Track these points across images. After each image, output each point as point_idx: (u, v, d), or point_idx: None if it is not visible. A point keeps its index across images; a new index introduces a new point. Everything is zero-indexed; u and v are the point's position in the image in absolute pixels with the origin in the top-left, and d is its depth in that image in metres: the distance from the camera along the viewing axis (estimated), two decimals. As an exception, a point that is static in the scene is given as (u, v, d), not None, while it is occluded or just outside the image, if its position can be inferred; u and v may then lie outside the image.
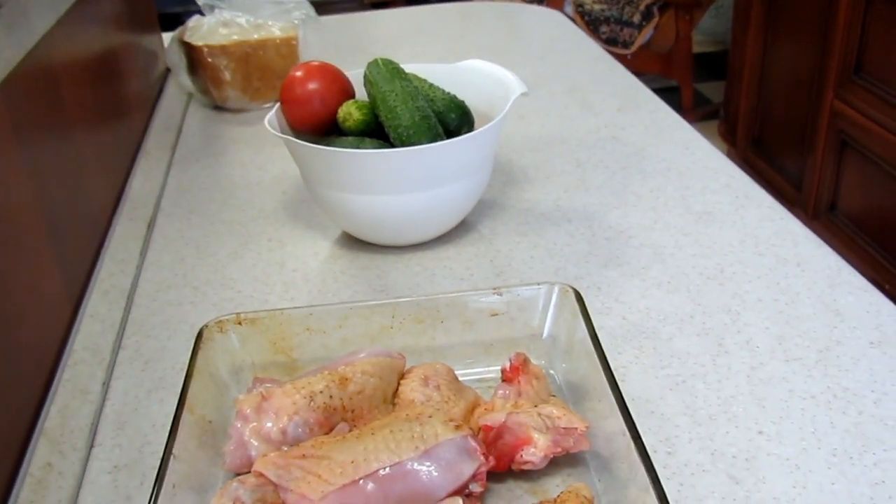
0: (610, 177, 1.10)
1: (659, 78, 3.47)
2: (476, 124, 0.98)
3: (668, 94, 1.30)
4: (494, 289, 0.75)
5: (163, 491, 0.58)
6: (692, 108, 3.51)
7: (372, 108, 0.93)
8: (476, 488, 0.61)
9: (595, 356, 0.67)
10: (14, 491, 0.63)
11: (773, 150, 2.82)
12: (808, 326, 0.81)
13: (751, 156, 2.95)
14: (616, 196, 1.06)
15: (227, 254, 1.00)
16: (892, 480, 0.64)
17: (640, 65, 3.33)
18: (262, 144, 1.28)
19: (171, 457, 0.61)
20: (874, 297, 0.84)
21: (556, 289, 0.74)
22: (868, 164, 2.23)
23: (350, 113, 0.93)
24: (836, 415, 0.71)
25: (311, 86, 0.94)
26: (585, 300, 0.74)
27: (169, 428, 0.63)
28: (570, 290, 0.73)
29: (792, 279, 0.88)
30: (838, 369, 0.75)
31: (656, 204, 1.03)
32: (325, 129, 0.96)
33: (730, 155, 3.14)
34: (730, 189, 1.05)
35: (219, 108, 1.43)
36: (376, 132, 0.94)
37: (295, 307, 0.75)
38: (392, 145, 0.92)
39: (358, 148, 0.90)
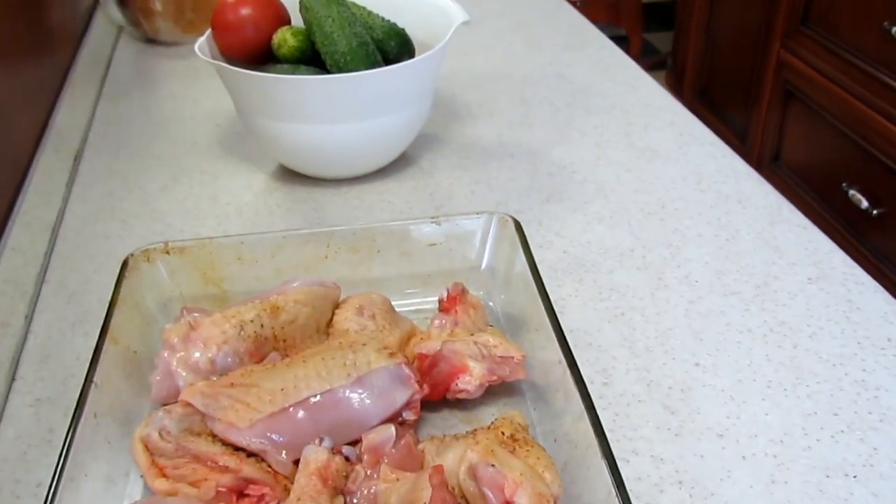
0: (554, 113, 1.09)
1: (607, 26, 3.44)
2: (417, 52, 0.95)
3: (617, 43, 1.29)
4: (432, 218, 0.73)
5: (83, 419, 0.56)
6: (640, 58, 3.50)
7: (308, 35, 0.89)
8: (409, 416, 0.60)
9: (533, 285, 0.66)
10: (-73, 422, 0.61)
11: (720, 101, 2.83)
12: (747, 262, 0.81)
13: (697, 106, 2.96)
14: (560, 132, 1.04)
15: (158, 187, 0.96)
16: (823, 411, 0.64)
17: (589, 13, 3.29)
18: (196, 78, 1.23)
19: (93, 385, 0.58)
20: (813, 234, 0.84)
21: (496, 218, 0.73)
22: (812, 115, 2.25)
23: (285, 39, 0.89)
24: (771, 348, 0.71)
25: (244, 11, 0.90)
26: (526, 234, 0.72)
27: (90, 356, 0.60)
28: (510, 220, 0.72)
29: (733, 215, 0.87)
30: (775, 304, 0.75)
31: (600, 140, 1.02)
32: (259, 57, 0.92)
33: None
34: (674, 127, 1.05)
35: (150, 41, 1.38)
36: (312, 60, 0.90)
37: (226, 235, 0.73)
38: (329, 73, 0.88)
39: (293, 74, 0.87)
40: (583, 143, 1.02)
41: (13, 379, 0.71)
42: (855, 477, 0.59)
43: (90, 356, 0.68)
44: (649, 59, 3.58)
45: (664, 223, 0.86)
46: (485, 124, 1.07)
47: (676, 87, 3.14)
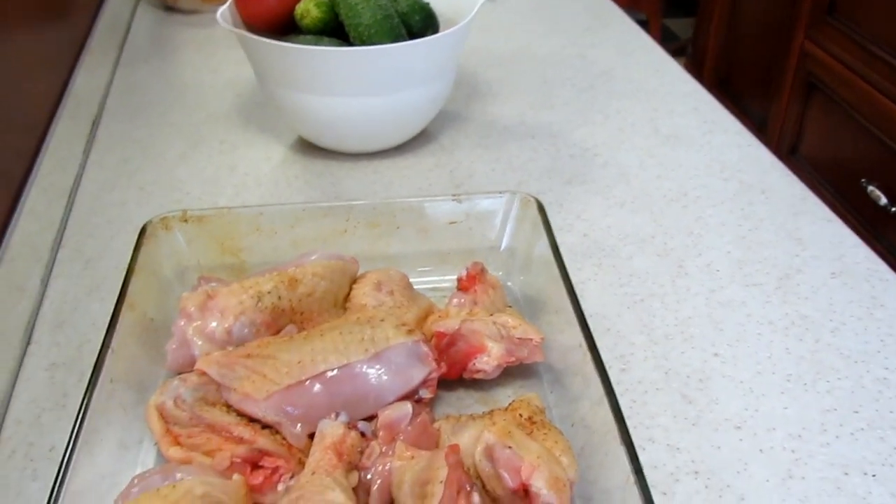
0: (576, 95, 1.07)
1: (627, 11, 3.41)
2: (441, 27, 0.94)
3: (636, 29, 1.27)
4: (454, 196, 0.72)
5: (99, 384, 0.56)
6: (659, 44, 3.47)
7: (331, 6, 0.88)
8: (426, 394, 0.59)
9: (555, 267, 0.65)
10: (-57, 384, 0.60)
11: (739, 91, 2.81)
12: (769, 253, 0.80)
13: (716, 95, 2.93)
14: (582, 114, 1.03)
15: (176, 155, 0.96)
16: (843, 408, 0.64)
17: (610, -3, 3.27)
18: (216, 47, 1.22)
19: (109, 351, 0.58)
20: (837, 227, 0.83)
21: (518, 199, 0.72)
22: (834, 108, 2.22)
23: (308, 10, 0.88)
24: (792, 342, 0.70)
25: (269, -20, 0.89)
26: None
27: (107, 323, 0.60)
28: (533, 201, 0.71)
29: (756, 206, 0.86)
30: (797, 297, 0.74)
31: (623, 124, 1.01)
32: (282, 27, 0.91)
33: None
34: (698, 113, 1.03)
35: (169, 8, 1.36)
36: (335, 32, 0.89)
37: (245, 206, 0.72)
38: (352, 45, 0.87)
39: (316, 45, 0.86)
40: (605, 125, 1.01)
41: (28, 343, 0.70)
42: (874, 476, 0.58)
43: (106, 322, 0.68)
44: (669, 46, 3.55)
45: (686, 210, 0.85)
46: (506, 103, 1.05)
47: (696, 75, 3.10)
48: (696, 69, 3.10)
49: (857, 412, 0.63)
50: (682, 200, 0.87)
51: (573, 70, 1.14)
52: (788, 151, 2.48)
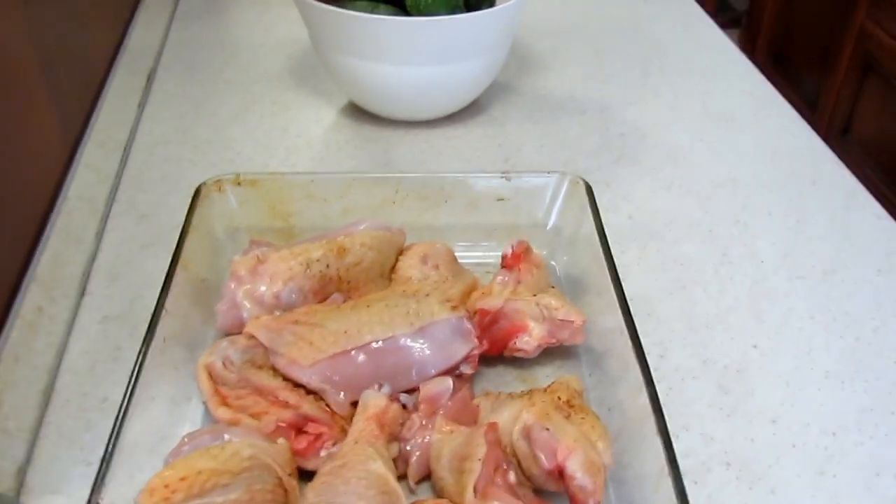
0: (629, 70, 1.07)
1: (684, -22, 3.34)
2: (498, 3, 0.93)
3: (691, -2, 1.26)
4: (503, 173, 0.73)
5: (153, 343, 0.58)
6: (714, 14, 3.41)
7: (391, -26, 0.89)
8: (467, 370, 0.61)
9: (600, 251, 0.65)
10: (5, 331, 0.63)
11: (793, 66, 2.75)
12: (816, 246, 0.79)
13: (769, 69, 2.88)
14: (634, 91, 1.02)
15: (229, 114, 0.97)
16: (880, 408, 0.64)
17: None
18: (268, 5, 1.23)
19: (164, 311, 0.60)
20: (887, 223, 0.83)
21: (567, 179, 0.72)
22: (890, 90, 2.18)
23: (367, -24, 0.89)
24: (833, 338, 0.70)
25: (329, -57, 0.89)
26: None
27: (162, 283, 0.62)
28: (581, 182, 0.71)
29: (806, 196, 0.86)
30: (841, 293, 0.74)
31: (675, 103, 1.00)
32: (340, -9, 0.92)
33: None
34: (752, 97, 1.02)
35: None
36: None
37: (297, 172, 0.73)
38: (407, 14, 0.88)
39: (372, 13, 0.86)
40: (657, 104, 1.00)
41: (83, 294, 0.73)
42: (906, 478, 0.59)
43: (157, 278, 0.70)
44: (723, 16, 3.48)
45: (734, 196, 0.85)
46: (558, 76, 1.05)
47: (749, 47, 3.05)
48: (751, 41, 3.05)
49: (894, 413, 0.64)
50: (730, 186, 0.87)
51: (627, 43, 1.13)
52: (839, 132, 2.44)
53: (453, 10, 0.85)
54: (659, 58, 1.10)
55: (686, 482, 0.57)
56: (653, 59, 1.09)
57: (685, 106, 1.00)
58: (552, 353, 0.65)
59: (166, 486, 0.48)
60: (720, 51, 1.13)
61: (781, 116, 0.99)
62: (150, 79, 1.04)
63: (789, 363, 0.68)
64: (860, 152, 2.33)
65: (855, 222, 0.82)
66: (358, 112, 0.96)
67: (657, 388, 0.64)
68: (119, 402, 0.54)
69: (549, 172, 0.73)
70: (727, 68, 1.08)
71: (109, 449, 0.51)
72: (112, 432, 0.52)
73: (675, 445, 0.59)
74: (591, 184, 0.71)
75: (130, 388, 0.54)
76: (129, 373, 0.55)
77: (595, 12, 1.22)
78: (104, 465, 0.50)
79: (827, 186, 0.87)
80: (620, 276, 0.73)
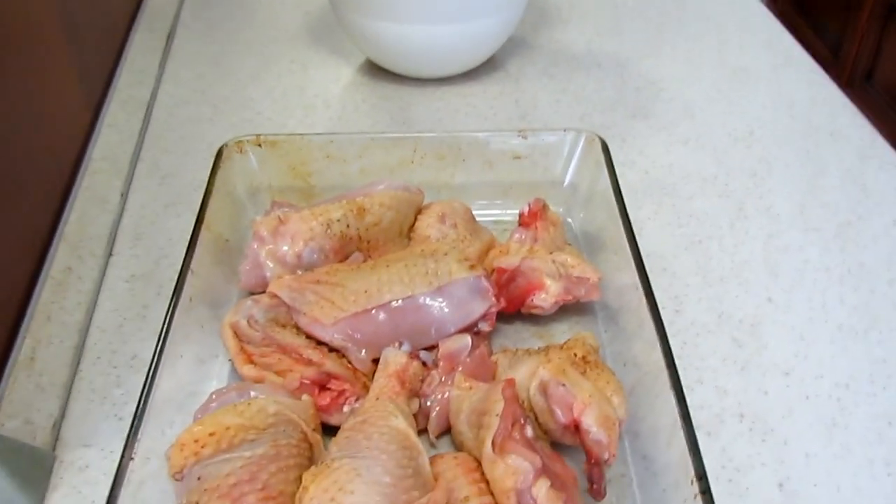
0: (646, 23, 1.06)
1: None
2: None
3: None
4: (520, 131, 0.74)
5: (180, 303, 0.59)
6: (736, -42, 3.34)
7: (407, -69, 0.88)
8: (485, 327, 0.62)
9: (615, 208, 0.66)
10: (36, 291, 0.65)
11: (816, 10, 2.71)
12: (832, 198, 0.80)
13: (790, 12, 2.84)
14: (650, 44, 1.02)
15: (248, 73, 0.98)
16: (893, 359, 0.65)
17: None
18: (288, -41, 1.22)
19: (189, 272, 0.61)
20: (903, 173, 0.83)
21: (583, 137, 0.73)
22: (912, 34, 2.14)
23: (384, -67, 0.88)
24: (847, 290, 0.71)
25: None
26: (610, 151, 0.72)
27: (187, 243, 0.63)
28: (597, 139, 0.72)
29: (822, 148, 0.86)
30: (857, 245, 0.75)
31: (691, 56, 1.00)
32: (356, -51, 0.92)
33: (768, 9, 3.01)
34: (770, 48, 1.02)
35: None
36: (410, -44, 0.89)
37: (316, 133, 0.74)
38: (425, -28, 0.88)
39: (390, -28, 0.86)
40: (673, 56, 1.00)
41: (110, 254, 0.75)
42: (916, 427, 0.60)
43: (181, 237, 0.71)
44: (746, -41, 3.41)
45: (750, 150, 0.85)
46: (574, 29, 1.05)
47: (772, -8, 3.00)
48: (773, -14, 2.99)
49: (906, 364, 0.65)
50: (747, 140, 0.87)
51: (644, -4, 1.12)
52: (863, 77, 2.41)
53: (469, -33, 0.85)
54: (676, 10, 1.09)
55: (700, 434, 0.59)
56: (670, 12, 1.09)
57: (702, 59, 0.99)
58: (568, 309, 0.67)
59: (196, 441, 0.51)
60: (738, 1, 1.12)
61: (800, 67, 0.98)
62: (170, 38, 1.05)
63: (803, 316, 0.68)
64: (884, 98, 2.30)
65: (871, 173, 0.82)
66: (375, 70, 0.97)
67: (673, 342, 0.65)
68: (147, 360, 0.56)
69: (564, 130, 0.74)
70: (745, 19, 1.07)
71: (141, 405, 0.53)
72: (143, 389, 0.54)
73: (689, 398, 0.61)
74: (606, 140, 0.72)
75: (159, 346, 0.56)
76: (157, 331, 0.57)
77: (613, -37, 1.21)
78: (136, 421, 0.52)
79: (844, 137, 0.87)
80: (636, 231, 0.74)
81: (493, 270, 0.65)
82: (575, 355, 0.58)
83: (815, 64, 0.99)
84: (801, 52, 1.01)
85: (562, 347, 0.59)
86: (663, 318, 0.66)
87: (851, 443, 0.59)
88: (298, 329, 0.62)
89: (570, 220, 0.75)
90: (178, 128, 0.89)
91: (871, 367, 0.64)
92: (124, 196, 0.81)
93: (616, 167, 0.74)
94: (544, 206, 0.70)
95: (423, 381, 0.58)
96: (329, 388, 0.58)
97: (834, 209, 0.78)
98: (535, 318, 0.67)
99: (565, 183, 0.75)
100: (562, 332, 0.66)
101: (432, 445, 0.58)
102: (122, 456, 0.51)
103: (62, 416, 0.61)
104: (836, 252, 0.74)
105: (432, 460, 0.53)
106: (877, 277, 0.72)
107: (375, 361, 0.60)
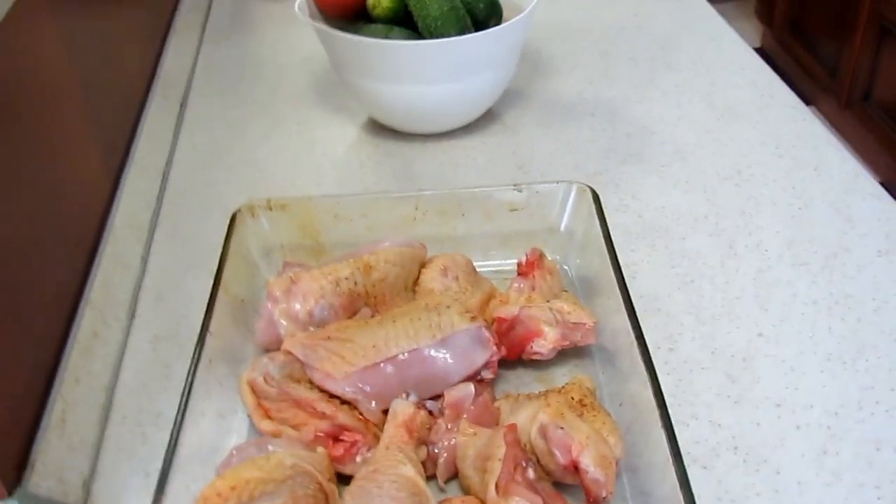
0: (635, 69, 1.11)
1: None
2: (505, 13, 0.98)
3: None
4: (515, 185, 0.78)
5: (200, 365, 0.63)
6: (731, -15, 3.40)
7: (401, -4, 0.93)
8: (487, 375, 0.66)
9: (607, 255, 0.70)
10: (64, 357, 0.69)
11: (811, 33, 2.75)
12: (818, 232, 0.83)
13: (787, 38, 2.88)
14: (640, 90, 1.06)
15: (258, 135, 1.03)
16: (881, 386, 0.68)
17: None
18: (291, 23, 1.28)
19: (208, 334, 0.66)
20: (887, 204, 0.86)
21: (574, 187, 0.77)
22: (907, 54, 2.18)
23: (379, 1, 0.93)
24: (835, 320, 0.74)
25: (342, -30, 0.94)
26: (602, 198, 0.76)
27: (206, 306, 0.68)
28: (588, 190, 0.76)
29: (808, 182, 0.89)
30: (843, 276, 0.78)
31: (680, 99, 1.04)
32: (354, 15, 0.97)
33: (765, 36, 3.06)
34: (755, 86, 1.06)
35: (247, -19, 1.43)
36: (405, 21, 0.94)
37: (323, 195, 0.79)
38: (420, 35, 0.92)
39: (386, 37, 0.91)
40: (663, 101, 1.04)
41: (133, 317, 0.79)
42: (904, 452, 0.63)
43: (201, 298, 0.75)
44: (741, -13, 3.47)
45: (739, 189, 0.89)
46: (567, 79, 1.09)
47: (766, 18, 3.05)
48: (767, 11, 3.04)
49: (893, 389, 0.68)
50: (735, 178, 0.90)
51: (632, 43, 1.17)
52: (861, 97, 2.45)
53: (462, 30, 0.90)
54: (664, 54, 1.13)
55: (696, 468, 0.62)
56: (658, 57, 1.13)
57: (691, 102, 1.03)
58: (567, 353, 0.70)
59: (218, 495, 0.54)
60: (724, 41, 1.16)
61: (786, 106, 1.02)
62: (184, 104, 1.10)
63: (793, 348, 0.72)
64: (884, 115, 2.33)
65: (855, 205, 0.86)
66: (378, 127, 1.01)
67: (668, 380, 0.69)
68: (172, 417, 0.60)
69: (557, 182, 0.78)
70: (732, 60, 1.12)
71: (166, 462, 0.57)
72: (168, 447, 0.58)
73: (684, 433, 0.65)
74: (600, 186, 0.76)
75: (182, 405, 0.60)
76: (180, 390, 0.61)
77: (599, 12, 1.26)
78: (162, 477, 0.56)
79: (829, 172, 0.90)
80: (631, 273, 0.78)
81: (494, 320, 0.69)
82: (572, 398, 0.61)
83: (797, 100, 1.03)
84: (784, 89, 1.05)
85: (560, 391, 0.63)
86: (658, 356, 0.70)
87: (842, 469, 0.62)
88: (312, 384, 0.66)
89: (566, 266, 0.79)
90: (195, 192, 0.94)
91: (859, 393, 0.67)
92: (145, 260, 0.85)
93: (610, 212, 0.78)
94: (541, 256, 0.74)
95: (430, 429, 0.62)
96: (342, 440, 0.62)
97: (820, 242, 0.82)
98: (535, 364, 0.70)
99: (561, 229, 0.79)
100: (562, 375, 0.70)
101: (441, 490, 0.61)
102: (151, 512, 0.54)
103: (92, 474, 0.65)
104: (824, 284, 0.77)
105: (441, 504, 0.57)
106: (863, 306, 0.75)
107: (385, 412, 0.63)
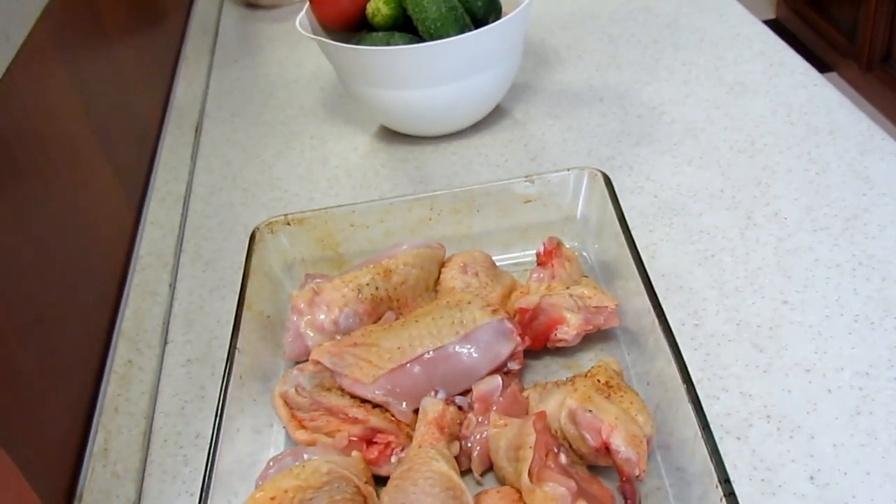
0: (642, 52, 1.10)
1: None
2: (504, 7, 0.98)
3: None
4: (526, 177, 0.78)
5: (231, 381, 0.65)
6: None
7: (399, 2, 0.94)
8: (514, 366, 0.66)
9: (623, 237, 0.70)
10: (102, 386, 0.71)
11: (826, 0, 2.72)
12: (836, 195, 0.82)
13: (802, 6, 2.85)
14: (648, 72, 1.06)
15: (272, 154, 1.04)
16: (911, 342, 0.67)
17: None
18: (297, 41, 1.30)
19: (236, 351, 0.67)
20: (905, 161, 0.85)
21: (586, 173, 0.77)
22: (923, 10, 2.15)
23: (378, 9, 0.94)
24: (859, 282, 0.73)
25: (339, -16, 0.95)
26: (616, 181, 0.76)
27: (232, 325, 0.69)
28: (599, 174, 0.76)
29: (823, 147, 0.89)
30: (865, 237, 0.77)
31: (688, 77, 1.04)
32: (355, 25, 0.98)
33: (780, 7, 3.03)
34: (763, 57, 1.05)
35: (251, 5, 1.44)
36: (405, 26, 0.95)
37: (338, 206, 0.80)
38: (421, 38, 0.93)
39: (388, 44, 0.92)
40: (671, 80, 1.04)
41: (166, 342, 0.81)
42: (938, 406, 0.62)
43: (228, 319, 0.77)
44: (750, -40, 3.44)
45: (753, 161, 0.88)
46: (574, 68, 1.09)
47: (779, -15, 3.02)
48: (779, -20, 3.01)
49: (925, 346, 0.67)
50: (749, 150, 0.90)
51: (637, 26, 1.16)
52: (881, 59, 2.41)
53: (462, 29, 0.91)
54: (670, 35, 1.13)
55: (729, 440, 0.62)
56: (664, 37, 1.13)
57: (699, 79, 1.03)
58: (592, 338, 0.71)
59: (260, 507, 0.55)
60: (730, 16, 1.15)
61: (795, 73, 1.01)
62: (198, 131, 1.12)
63: (819, 313, 0.71)
64: (904, 78, 2.30)
65: (873, 165, 0.85)
66: (389, 134, 1.02)
67: (695, 355, 0.69)
68: (209, 437, 0.61)
69: (568, 169, 0.78)
70: (738, 32, 1.11)
71: (206, 480, 0.58)
72: (206, 465, 0.59)
73: (715, 406, 0.65)
74: (613, 170, 0.76)
75: (217, 424, 0.62)
76: (215, 410, 0.63)
77: (605, -4, 1.26)
78: (203, 494, 0.57)
79: (843, 135, 0.90)
80: (650, 254, 0.79)
81: (516, 312, 0.69)
82: (599, 381, 0.61)
83: (809, 67, 1.02)
84: (794, 57, 1.04)
85: (586, 375, 0.63)
86: (683, 333, 0.71)
87: (877, 428, 0.62)
88: (342, 391, 0.67)
89: (585, 253, 0.79)
90: (215, 215, 0.96)
91: (889, 352, 0.67)
92: (172, 286, 0.87)
93: (625, 194, 0.78)
94: (558, 244, 0.74)
95: (461, 424, 0.63)
96: (376, 442, 0.62)
97: (839, 205, 0.81)
98: (562, 351, 0.71)
99: (578, 216, 0.79)
100: (588, 360, 0.70)
101: (478, 483, 0.62)
102: (195, 528, 0.56)
103: (139, 499, 0.67)
104: (846, 247, 0.77)
105: (478, 497, 0.58)
106: (887, 265, 0.74)
107: (416, 411, 0.64)
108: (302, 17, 0.96)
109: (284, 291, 0.78)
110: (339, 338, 0.70)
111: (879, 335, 0.68)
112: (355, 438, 0.62)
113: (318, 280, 0.74)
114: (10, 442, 0.55)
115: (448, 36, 0.89)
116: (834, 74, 2.59)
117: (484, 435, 0.62)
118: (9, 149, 0.66)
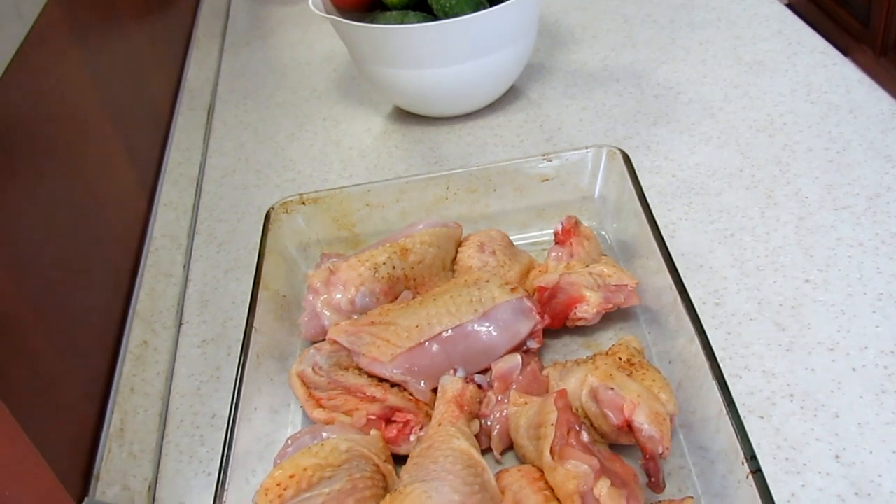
0: (658, 31, 1.09)
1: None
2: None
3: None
4: (544, 155, 0.77)
5: (248, 361, 0.64)
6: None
7: (414, -19, 0.93)
8: (533, 345, 0.66)
9: (643, 215, 0.69)
10: (118, 367, 0.70)
11: (838, -17, 2.69)
12: (858, 174, 0.81)
13: (814, -10, 2.82)
14: (664, 51, 1.05)
15: (285, 136, 1.03)
16: (936, 320, 0.66)
17: None
18: (309, 22, 1.29)
19: (253, 330, 0.66)
20: (927, 138, 0.84)
21: (605, 151, 0.76)
22: (938, -7, 2.12)
23: (392, -13, 0.93)
24: (882, 260, 0.72)
25: (353, -38, 0.94)
26: (634, 161, 0.75)
27: (248, 304, 0.68)
28: (618, 152, 0.75)
29: (844, 126, 0.87)
30: (888, 215, 0.76)
31: (706, 57, 1.02)
32: (368, 4, 0.97)
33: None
34: (782, 36, 1.04)
35: (262, -13, 1.44)
36: (419, 5, 0.94)
37: (354, 185, 0.79)
38: (436, 17, 0.92)
39: (402, 23, 0.91)
40: (688, 60, 1.02)
41: (181, 323, 0.80)
42: (964, 384, 0.62)
43: (243, 300, 0.76)
44: (761, -56, 3.40)
45: (773, 140, 0.87)
46: (589, 48, 1.08)
47: (792, -28, 2.99)
48: (793, -36, 2.98)
49: (950, 325, 0.66)
50: (768, 129, 0.89)
51: (653, 6, 1.15)
52: (895, 43, 2.39)
53: (477, 7, 0.90)
54: (686, 13, 1.12)
55: (753, 418, 0.62)
56: (680, 17, 1.11)
57: (717, 58, 1.02)
58: (612, 316, 0.70)
59: (278, 485, 0.55)
60: (747, -6, 1.14)
61: (814, 51, 1.00)
62: (210, 113, 1.11)
63: (842, 292, 0.70)
64: (919, 62, 2.27)
65: (895, 143, 0.84)
66: (403, 115, 1.01)
67: (716, 333, 0.68)
68: (226, 417, 0.61)
69: (586, 147, 0.77)
70: (756, 12, 1.10)
71: (224, 460, 0.58)
72: (224, 445, 0.59)
73: (738, 385, 0.64)
74: (631, 149, 0.75)
75: (234, 403, 0.61)
76: (231, 390, 0.62)
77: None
78: (222, 474, 0.57)
79: (864, 113, 0.88)
80: (670, 233, 0.78)
81: (535, 290, 0.68)
82: (620, 359, 0.61)
83: (827, 45, 1.01)
84: (812, 35, 1.03)
85: (607, 353, 0.62)
86: (704, 312, 0.70)
87: (903, 408, 0.61)
88: (360, 370, 0.66)
89: (603, 231, 0.78)
90: (228, 196, 0.95)
91: (914, 332, 0.66)
92: (186, 268, 0.86)
93: (644, 174, 0.77)
94: (577, 223, 0.73)
95: (480, 402, 0.62)
96: (394, 421, 0.62)
97: (861, 184, 0.80)
98: (581, 330, 0.70)
99: (595, 196, 0.78)
100: (608, 339, 0.69)
101: (498, 462, 0.61)
102: (214, 507, 0.55)
103: (156, 478, 0.66)
104: (868, 225, 0.76)
105: (498, 475, 0.57)
106: (911, 244, 0.73)
107: (434, 390, 0.63)
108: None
109: (300, 271, 0.78)
110: (355, 317, 0.70)
111: (904, 313, 0.68)
112: (374, 417, 0.62)
113: (334, 259, 0.74)
114: (27, 422, 0.55)
115: (463, 14, 0.88)
116: (848, 59, 2.57)
117: (504, 413, 0.61)
118: (22, 128, 0.65)
